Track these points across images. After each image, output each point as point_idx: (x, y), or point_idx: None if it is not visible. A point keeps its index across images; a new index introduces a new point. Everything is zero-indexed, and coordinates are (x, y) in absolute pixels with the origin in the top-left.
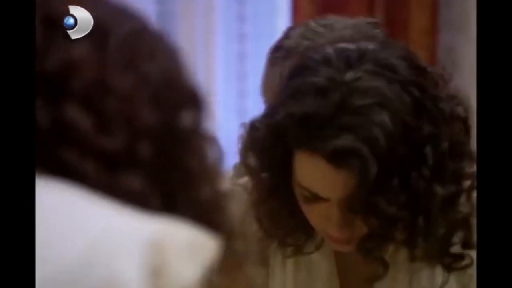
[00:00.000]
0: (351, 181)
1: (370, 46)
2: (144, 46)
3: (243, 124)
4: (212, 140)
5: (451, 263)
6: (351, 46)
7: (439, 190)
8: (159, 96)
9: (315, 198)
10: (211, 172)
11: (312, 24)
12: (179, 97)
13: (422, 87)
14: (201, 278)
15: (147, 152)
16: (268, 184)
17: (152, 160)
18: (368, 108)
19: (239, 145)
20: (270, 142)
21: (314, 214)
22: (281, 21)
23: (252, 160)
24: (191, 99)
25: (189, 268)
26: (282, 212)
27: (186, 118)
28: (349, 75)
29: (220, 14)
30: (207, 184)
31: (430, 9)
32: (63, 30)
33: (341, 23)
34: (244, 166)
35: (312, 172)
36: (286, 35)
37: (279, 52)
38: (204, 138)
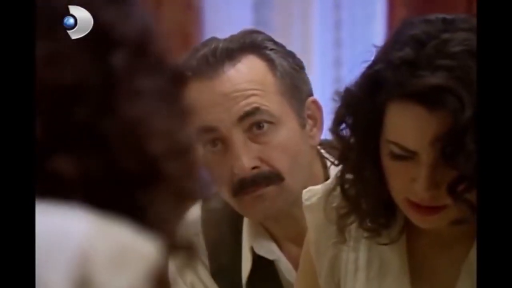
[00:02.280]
0: (444, 124)
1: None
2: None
3: (337, 92)
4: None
5: None
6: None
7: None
8: None
9: (402, 156)
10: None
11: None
12: None
13: None
14: None
15: None
16: (358, 153)
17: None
18: (463, 54)
19: (332, 116)
20: (364, 97)
21: (399, 176)
22: (377, 27)
23: (344, 132)
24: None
25: (119, 280)
26: (367, 186)
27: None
28: (446, 32)
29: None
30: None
31: None
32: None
33: None
34: (336, 138)
35: (404, 122)
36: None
37: None
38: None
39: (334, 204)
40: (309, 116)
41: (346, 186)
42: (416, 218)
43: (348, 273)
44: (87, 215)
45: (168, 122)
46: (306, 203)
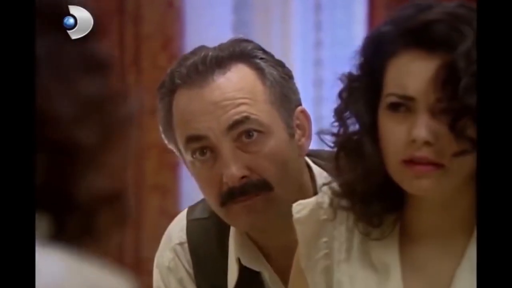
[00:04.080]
0: (443, 65)
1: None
2: None
3: (342, 74)
4: None
5: None
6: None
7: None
8: None
9: (400, 104)
10: None
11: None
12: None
13: None
14: None
15: None
16: (357, 135)
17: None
18: (459, 7)
19: (337, 100)
20: (367, 63)
21: (397, 132)
22: (357, 28)
23: (344, 115)
24: None
25: None
26: (365, 163)
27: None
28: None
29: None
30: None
31: None
32: None
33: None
34: (338, 120)
35: (402, 70)
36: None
37: (162, 89)
38: None
39: (324, 217)
40: (298, 126)
41: (342, 172)
42: (412, 180)
43: (340, 269)
44: (59, 255)
45: None
46: (296, 216)
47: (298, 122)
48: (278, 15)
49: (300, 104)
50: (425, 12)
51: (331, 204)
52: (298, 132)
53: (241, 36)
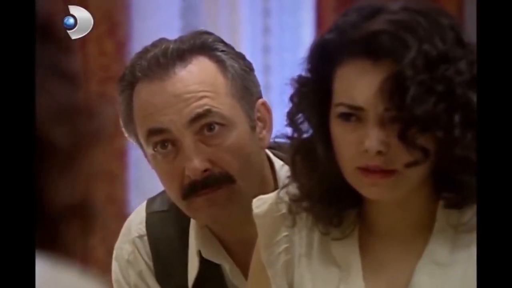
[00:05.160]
0: (389, 74)
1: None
2: None
3: (291, 78)
4: None
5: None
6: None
7: (475, 98)
8: None
9: (350, 114)
10: None
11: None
12: None
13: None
14: None
15: None
16: (311, 140)
17: None
18: (404, 10)
19: (289, 104)
20: (315, 70)
21: (349, 141)
22: (306, 34)
23: (297, 119)
24: None
25: None
26: (320, 166)
27: None
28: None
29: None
30: None
31: None
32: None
33: None
34: (291, 125)
35: (349, 79)
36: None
37: (123, 81)
38: None
39: (284, 211)
40: (259, 118)
41: (299, 176)
42: (368, 187)
43: (300, 264)
44: (38, 262)
45: None
46: (256, 210)
47: (259, 114)
48: (226, 1)
49: (261, 97)
50: (369, 21)
51: (290, 211)
52: (259, 125)
53: (202, 28)
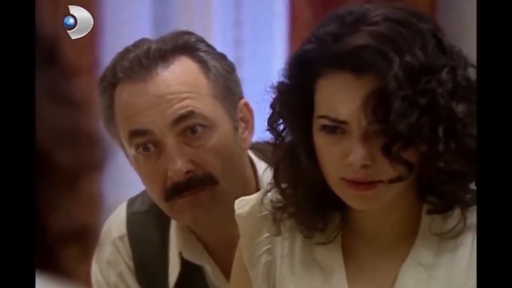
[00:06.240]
0: (372, 87)
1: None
2: None
3: (271, 85)
4: None
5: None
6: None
7: (458, 107)
8: None
9: (333, 127)
10: None
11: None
12: None
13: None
14: None
15: None
16: (292, 142)
17: None
18: (386, 21)
19: (269, 110)
20: (295, 80)
21: (333, 153)
22: (279, 26)
23: (279, 126)
24: None
25: None
26: (303, 173)
27: None
28: (368, 9)
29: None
30: None
31: None
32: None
33: None
34: (273, 132)
35: (332, 92)
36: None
37: (104, 82)
38: None
39: (266, 212)
40: (241, 119)
41: (282, 183)
42: (353, 198)
43: (282, 265)
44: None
45: None
46: (238, 211)
47: (241, 115)
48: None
49: (243, 97)
50: (351, 35)
51: (274, 219)
52: (241, 125)
53: (183, 28)
